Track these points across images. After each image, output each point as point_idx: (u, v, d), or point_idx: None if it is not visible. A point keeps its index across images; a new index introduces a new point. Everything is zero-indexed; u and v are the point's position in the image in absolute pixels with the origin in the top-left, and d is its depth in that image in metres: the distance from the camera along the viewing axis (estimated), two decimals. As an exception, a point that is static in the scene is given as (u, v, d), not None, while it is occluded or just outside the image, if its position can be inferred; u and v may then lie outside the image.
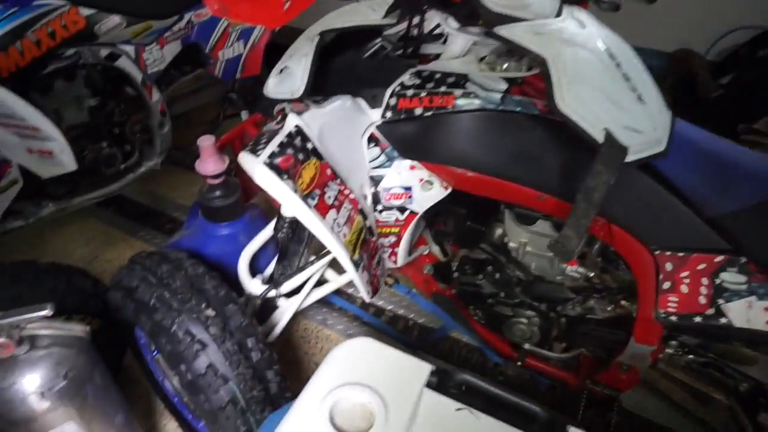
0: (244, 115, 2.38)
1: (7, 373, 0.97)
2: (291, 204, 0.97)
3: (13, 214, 1.77)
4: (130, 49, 1.93)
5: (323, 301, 1.89)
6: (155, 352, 1.34)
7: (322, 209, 1.00)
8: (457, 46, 1.17)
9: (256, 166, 0.95)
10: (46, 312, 0.99)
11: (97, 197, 2.00)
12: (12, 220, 1.77)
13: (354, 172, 1.14)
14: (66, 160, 1.62)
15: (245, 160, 0.98)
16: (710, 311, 1.05)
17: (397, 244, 1.26)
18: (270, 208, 1.54)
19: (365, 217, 1.12)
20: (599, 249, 1.23)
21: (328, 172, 1.04)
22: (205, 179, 1.37)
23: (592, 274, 1.26)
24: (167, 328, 1.10)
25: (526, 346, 1.41)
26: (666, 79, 2.51)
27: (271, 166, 0.94)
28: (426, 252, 1.48)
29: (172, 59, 2.11)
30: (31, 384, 0.98)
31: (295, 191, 0.95)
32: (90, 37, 1.79)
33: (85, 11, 1.75)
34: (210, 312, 1.13)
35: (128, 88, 2.03)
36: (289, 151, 0.98)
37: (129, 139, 2.09)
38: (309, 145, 1.02)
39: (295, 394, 0.87)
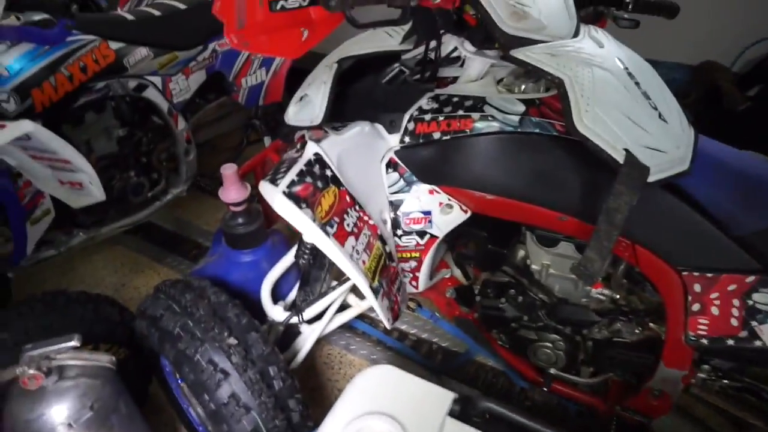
0: (267, 140, 2.42)
1: (36, 404, 0.99)
2: (310, 233, 0.97)
3: (45, 243, 1.82)
4: (157, 79, 1.99)
5: (346, 326, 1.88)
6: (180, 380, 1.35)
7: (341, 237, 1.00)
8: (474, 69, 1.17)
9: (275, 196, 0.96)
10: (74, 343, 1.01)
11: (125, 225, 2.05)
12: (44, 250, 1.82)
13: (373, 198, 1.14)
14: (95, 191, 1.67)
15: (265, 189, 0.99)
16: (743, 334, 1.01)
17: (417, 268, 1.25)
18: (292, 234, 1.55)
19: (385, 243, 1.12)
20: (624, 270, 1.20)
21: (348, 198, 1.04)
22: (227, 207, 1.39)
23: (618, 296, 1.23)
24: (190, 357, 1.11)
25: (552, 370, 1.37)
26: (690, 93, 2.47)
27: (290, 195, 0.95)
28: (448, 275, 1.47)
29: (197, 88, 2.17)
30: (58, 415, 1.00)
31: (314, 220, 0.96)
32: (119, 70, 1.85)
33: (115, 45, 1.82)
34: (232, 340, 1.14)
35: (155, 117, 2.09)
36: (308, 179, 0.99)
37: (156, 167, 2.14)
38: (328, 173, 1.02)
39: (317, 422, 0.86)
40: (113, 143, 1.97)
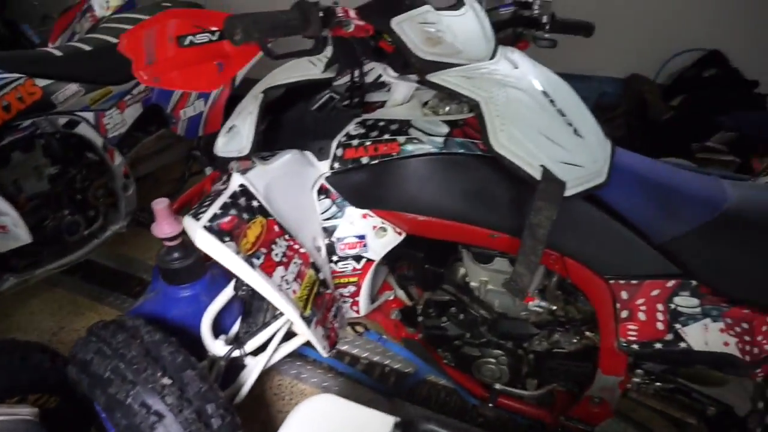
0: (209, 171, 2.38)
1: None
2: (233, 266, 0.96)
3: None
4: (89, 115, 1.94)
5: (296, 354, 1.85)
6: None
7: (268, 267, 0.98)
8: (399, 94, 1.19)
9: (197, 231, 0.94)
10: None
11: (61, 266, 1.96)
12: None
13: (305, 226, 1.13)
14: (21, 234, 1.60)
15: (188, 224, 0.97)
16: (669, 337, 1.05)
17: (357, 293, 1.25)
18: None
19: (318, 271, 1.11)
20: (557, 282, 1.23)
21: (276, 228, 1.03)
22: (162, 242, 1.36)
23: (554, 308, 1.26)
24: (122, 402, 1.07)
25: (497, 385, 1.38)
26: (620, 105, 2.59)
27: (212, 229, 0.94)
28: (392, 297, 1.46)
29: (134, 121, 2.13)
30: (-25, 475, 0.94)
31: (238, 253, 0.94)
32: (47, 107, 1.80)
33: (42, 82, 1.77)
34: (166, 380, 1.10)
35: (89, 153, 2.03)
36: (233, 211, 0.97)
37: (92, 204, 2.08)
38: (254, 203, 1.01)
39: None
40: (44, 182, 1.90)
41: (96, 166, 2.06)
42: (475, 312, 1.32)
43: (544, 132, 0.97)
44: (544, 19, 1.27)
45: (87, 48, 1.93)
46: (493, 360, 1.34)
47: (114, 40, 1.99)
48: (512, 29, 1.31)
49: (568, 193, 0.96)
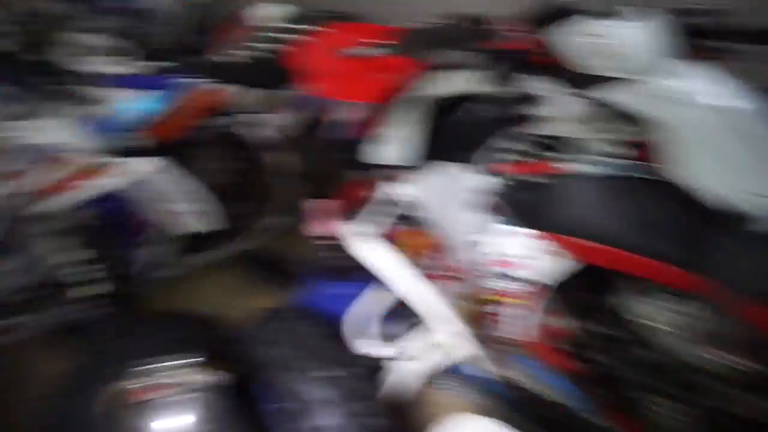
0: (360, 177, 2.56)
1: (145, 418, 1.15)
2: (390, 274, 1.04)
3: (157, 266, 2.12)
4: (257, 116, 2.26)
5: (448, 368, 1.90)
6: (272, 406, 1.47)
7: (425, 278, 1.05)
8: (563, 109, 1.17)
9: (352, 235, 1.03)
10: (188, 360, 1.17)
11: (231, 253, 2.32)
12: (156, 272, 2.13)
13: (463, 240, 1.18)
14: (210, 220, 1.92)
15: (343, 228, 1.07)
16: None
17: (518, 315, 1.26)
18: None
19: (475, 287, 1.16)
20: (748, 332, 1.13)
21: (433, 240, 1.09)
22: (317, 240, 1.52)
23: (742, 361, 1.16)
24: (283, 387, 1.22)
25: (665, 438, 1.31)
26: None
27: (370, 236, 1.02)
28: (553, 324, 1.45)
29: (296, 125, 2.40)
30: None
31: (398, 263, 1.02)
32: (228, 109, 2.15)
33: (220, 86, 2.10)
34: (325, 373, 1.23)
35: (257, 152, 2.35)
36: (390, 220, 1.06)
37: (259, 198, 2.39)
38: (413, 214, 1.09)
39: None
40: (219, 176, 2.25)
41: (266, 164, 2.37)
42: (643, 353, 1.26)
43: (735, 158, 0.90)
44: (729, 27, 1.15)
45: (253, 56, 2.25)
46: (660, 409, 1.27)
47: (278, 49, 2.26)
48: (692, 40, 1.21)
49: (769, 229, 0.89)
